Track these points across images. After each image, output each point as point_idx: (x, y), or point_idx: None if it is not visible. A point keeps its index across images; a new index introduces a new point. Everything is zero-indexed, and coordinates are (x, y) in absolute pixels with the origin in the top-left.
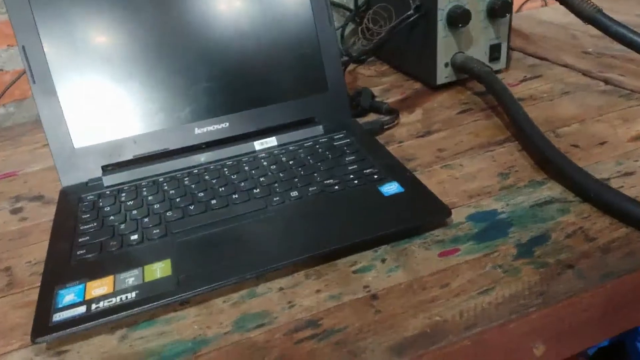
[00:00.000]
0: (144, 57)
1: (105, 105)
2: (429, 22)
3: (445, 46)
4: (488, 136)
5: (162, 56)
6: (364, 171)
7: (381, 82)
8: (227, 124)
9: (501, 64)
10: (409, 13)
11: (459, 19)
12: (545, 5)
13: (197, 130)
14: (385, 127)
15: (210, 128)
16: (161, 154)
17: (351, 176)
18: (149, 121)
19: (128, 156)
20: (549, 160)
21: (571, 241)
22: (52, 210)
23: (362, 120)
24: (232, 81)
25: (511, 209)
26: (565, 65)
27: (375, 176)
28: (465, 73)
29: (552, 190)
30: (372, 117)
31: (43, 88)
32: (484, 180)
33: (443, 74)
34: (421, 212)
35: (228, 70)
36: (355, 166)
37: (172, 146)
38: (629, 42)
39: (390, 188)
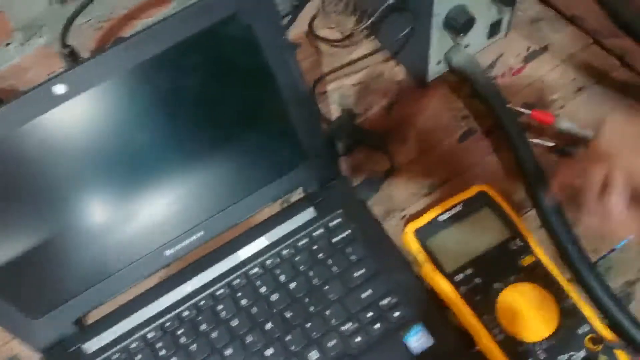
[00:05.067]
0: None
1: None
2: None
3: (439, 40)
4: (504, 189)
5: (108, 186)
6: (381, 304)
7: (351, 66)
8: (202, 232)
9: (500, 35)
10: None
11: (460, 28)
12: None
13: (167, 252)
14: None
15: (183, 244)
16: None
17: (370, 314)
18: (110, 262)
19: (96, 306)
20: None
21: None
22: None
23: (349, 161)
24: (195, 185)
25: None
26: (572, 21)
27: (395, 314)
28: (464, 79)
29: None
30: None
31: None
32: None
33: (435, 71)
34: None
35: (187, 174)
36: (369, 292)
37: (145, 276)
38: None
39: (418, 339)
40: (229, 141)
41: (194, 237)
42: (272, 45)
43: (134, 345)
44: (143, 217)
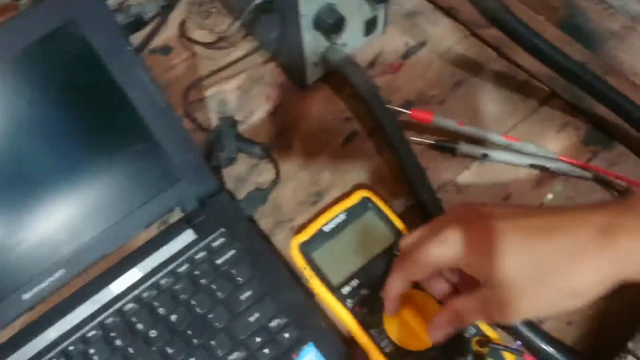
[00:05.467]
0: None
1: None
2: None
3: (313, 41)
4: (389, 191)
5: None
6: (271, 325)
7: (230, 69)
8: (63, 269)
9: (378, 32)
10: None
11: (330, 29)
12: None
13: (25, 296)
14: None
15: (42, 285)
16: None
17: (258, 339)
18: None
19: None
20: None
21: None
22: None
23: (232, 173)
24: (50, 217)
25: None
26: (449, 12)
27: (286, 334)
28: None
29: None
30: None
31: None
32: None
33: (314, 73)
34: None
35: (40, 205)
36: (257, 315)
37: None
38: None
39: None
40: (86, 164)
41: (55, 276)
42: (115, 57)
43: None
44: None
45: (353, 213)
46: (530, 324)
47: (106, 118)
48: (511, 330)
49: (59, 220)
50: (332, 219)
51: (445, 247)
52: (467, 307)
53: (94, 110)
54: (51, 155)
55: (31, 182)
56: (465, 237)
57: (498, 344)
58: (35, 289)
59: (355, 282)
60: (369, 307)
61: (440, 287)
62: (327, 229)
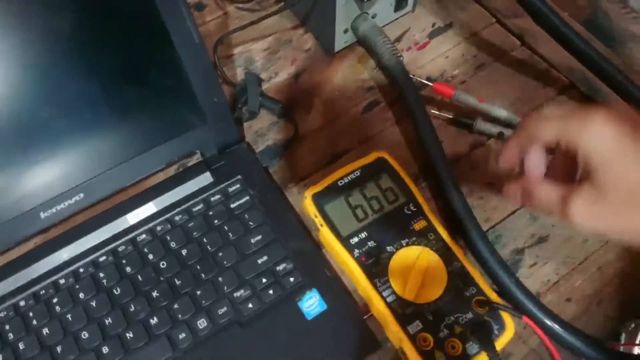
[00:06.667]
0: None
1: None
2: None
3: (345, 7)
4: (404, 158)
5: None
6: (277, 268)
7: (259, 31)
8: (82, 194)
9: (407, 9)
10: None
11: None
12: None
13: (43, 214)
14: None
15: (60, 206)
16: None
17: (264, 280)
18: None
19: None
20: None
21: None
22: None
23: (252, 128)
24: (75, 142)
25: None
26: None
27: (291, 279)
28: (371, 50)
29: None
30: (262, 115)
31: None
32: None
33: (342, 40)
34: (350, 345)
35: (67, 129)
36: (265, 258)
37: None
38: None
39: (312, 304)
40: (116, 95)
41: (73, 200)
42: None
43: (2, 314)
44: (16, 173)
45: (368, 171)
46: (531, 296)
47: (141, 45)
48: (512, 301)
49: (83, 145)
50: (347, 174)
51: (587, 128)
52: (551, 196)
53: (130, 37)
54: (84, 79)
55: (63, 105)
56: (611, 130)
57: (497, 304)
58: (53, 209)
59: (364, 235)
60: (375, 259)
61: (536, 163)
62: (341, 183)
